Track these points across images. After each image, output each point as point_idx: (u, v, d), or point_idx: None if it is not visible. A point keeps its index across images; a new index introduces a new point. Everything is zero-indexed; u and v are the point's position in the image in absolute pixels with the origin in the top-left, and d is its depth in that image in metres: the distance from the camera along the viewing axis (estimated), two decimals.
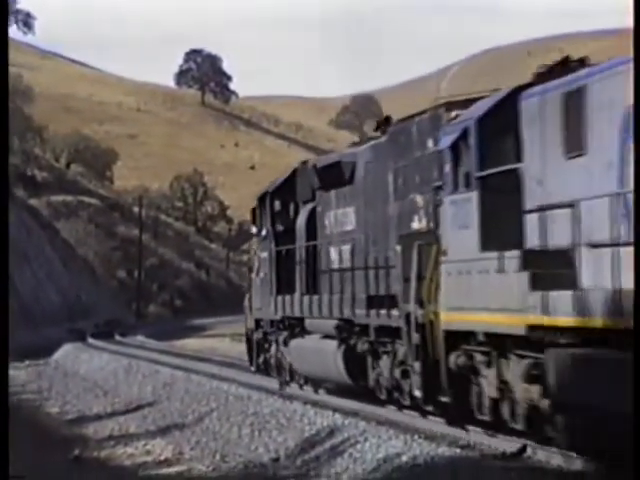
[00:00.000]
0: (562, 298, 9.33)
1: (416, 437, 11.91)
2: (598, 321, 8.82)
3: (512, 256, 10.25)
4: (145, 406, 19.04)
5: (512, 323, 10.22)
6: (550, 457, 10.58)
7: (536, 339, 9.86)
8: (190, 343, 41.90)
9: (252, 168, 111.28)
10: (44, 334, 44.33)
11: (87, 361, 29.79)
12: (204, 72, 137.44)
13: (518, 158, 10.65)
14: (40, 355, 34.08)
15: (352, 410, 14.81)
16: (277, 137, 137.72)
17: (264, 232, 18.78)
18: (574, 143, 9.65)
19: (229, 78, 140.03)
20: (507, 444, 11.30)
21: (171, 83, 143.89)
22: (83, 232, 71.31)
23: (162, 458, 14.03)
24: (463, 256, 11.23)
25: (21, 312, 45.91)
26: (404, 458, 11.02)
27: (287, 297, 17.44)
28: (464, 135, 11.28)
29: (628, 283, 8.56)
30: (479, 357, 11.25)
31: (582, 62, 10.83)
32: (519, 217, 10.39)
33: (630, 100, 8.79)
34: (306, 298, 16.62)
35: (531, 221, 10.20)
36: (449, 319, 11.65)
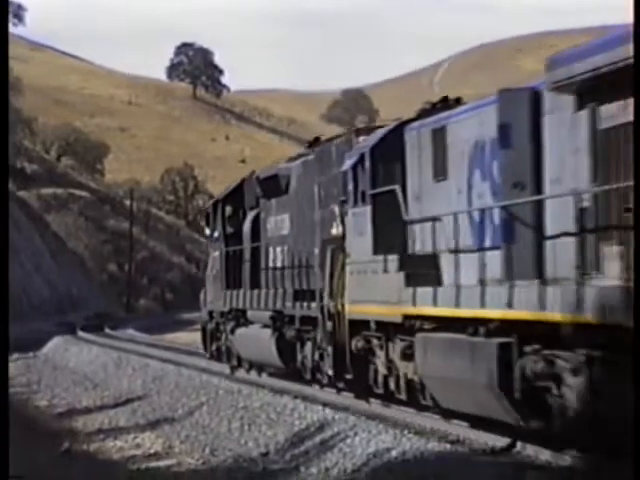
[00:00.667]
0: (425, 293, 12.11)
1: (406, 432, 11.94)
2: (448, 311, 11.54)
3: (393, 259, 12.99)
4: (135, 399, 19.03)
5: (392, 313, 12.91)
6: (539, 452, 10.61)
7: (409, 325, 12.55)
8: (180, 337, 41.87)
9: (243, 162, 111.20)
10: (34, 327, 44.23)
11: (77, 354, 29.74)
12: (196, 65, 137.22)
13: (403, 179, 13.27)
14: (29, 348, 33.99)
15: (342, 405, 14.83)
16: (268, 131, 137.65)
17: (216, 234, 21.42)
18: (439, 170, 12.42)
19: (221, 72, 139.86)
20: (496, 439, 11.34)
21: (163, 76, 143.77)
22: (73, 225, 71.15)
23: (152, 451, 14.03)
24: (361, 258, 13.96)
25: (10, 305, 45.79)
26: (394, 453, 11.04)
27: (234, 291, 20.08)
28: (361, 159, 13.90)
29: (468, 281, 11.33)
30: (374, 341, 13.91)
31: (458, 101, 13.33)
32: (403, 227, 13.11)
33: (477, 137, 11.61)
34: (249, 292, 19.24)
35: (410, 231, 13.12)
36: (351, 310, 14.40)
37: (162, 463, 13.22)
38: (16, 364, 30.16)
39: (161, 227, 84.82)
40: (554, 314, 9.47)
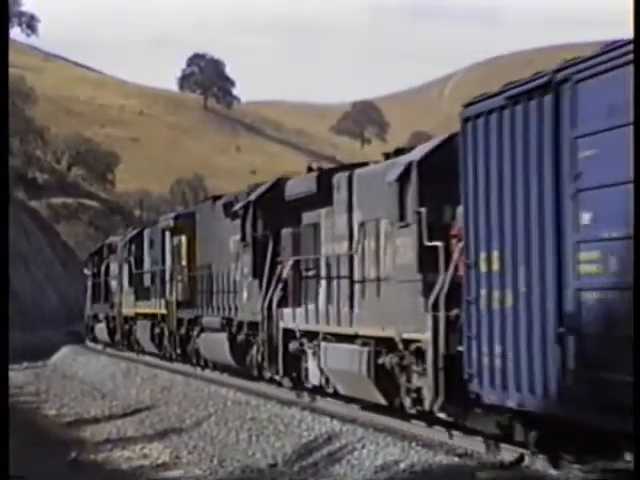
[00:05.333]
0: (142, 304, 28.90)
1: (414, 444, 11.90)
2: (144, 310, 28.63)
3: (131, 288, 30.30)
4: (143, 410, 19.04)
5: (132, 312, 30.18)
6: (548, 467, 10.55)
7: (137, 317, 29.64)
8: None
9: (253, 173, 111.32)
10: (43, 336, 44.27)
11: (85, 364, 29.78)
12: (207, 77, 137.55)
13: (142, 253, 29.31)
14: (38, 357, 34.03)
15: (350, 417, 14.80)
16: (278, 142, 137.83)
17: (89, 272, 38.56)
18: (156, 251, 27.56)
19: (232, 83, 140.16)
20: (505, 453, 11.29)
21: (174, 87, 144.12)
22: (83, 235, 71.26)
23: (159, 462, 14.02)
24: (125, 289, 31.17)
25: (19, 314, 45.85)
26: (402, 466, 11.01)
27: (96, 304, 37.12)
28: (127, 242, 30.97)
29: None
30: (133, 325, 30.30)
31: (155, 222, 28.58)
32: (139, 275, 29.54)
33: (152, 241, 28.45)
34: (102, 305, 35.67)
35: (142, 276, 29.28)
36: (124, 312, 31.35)
37: (170, 473, 13.21)
38: (25, 373, 30.20)
39: None
40: (157, 310, 26.62)
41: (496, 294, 10.04)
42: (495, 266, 10.09)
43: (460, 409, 11.52)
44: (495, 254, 10.08)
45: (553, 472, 10.41)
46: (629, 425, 8.21)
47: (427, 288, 11.95)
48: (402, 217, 12.61)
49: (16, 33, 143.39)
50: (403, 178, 12.58)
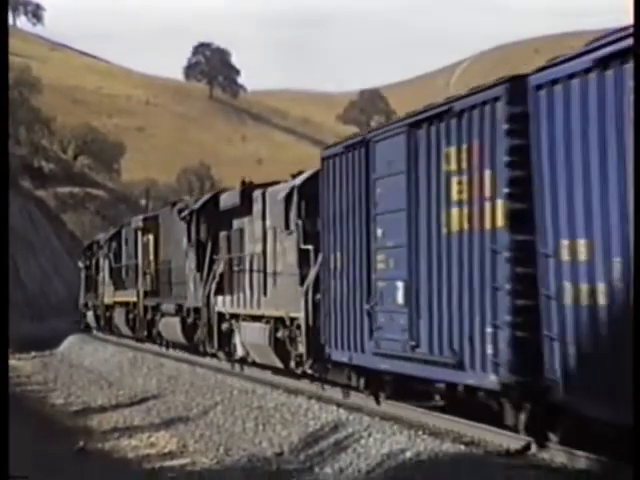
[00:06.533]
0: (119, 293, 32.90)
1: (420, 433, 11.92)
2: (121, 299, 32.85)
3: (111, 280, 34.20)
4: (150, 399, 19.10)
5: (111, 301, 34.21)
6: (554, 455, 10.57)
7: (115, 305, 33.79)
8: None
9: (259, 162, 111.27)
10: (50, 325, 44.39)
11: (92, 353, 29.85)
12: (213, 66, 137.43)
13: (120, 250, 33.37)
14: (46, 346, 34.13)
15: (356, 405, 14.83)
16: (285, 131, 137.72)
17: (82, 265, 42.02)
18: (129, 247, 32.15)
19: (237, 72, 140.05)
20: (511, 441, 11.31)
21: (180, 76, 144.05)
22: (90, 224, 71.33)
23: (166, 451, 14.07)
24: (107, 279, 34.81)
25: (27, 303, 45.97)
26: (408, 454, 11.03)
27: (89, 293, 40.19)
28: (108, 239, 35.54)
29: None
30: (111, 311, 34.44)
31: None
32: (117, 270, 33.46)
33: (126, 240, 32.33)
34: (91, 294, 39.20)
35: (121, 270, 33.28)
36: (105, 301, 35.34)
37: (176, 462, 13.25)
38: (33, 362, 30.29)
39: None
40: (130, 299, 30.69)
41: (338, 283, 14.51)
42: (338, 263, 14.54)
43: (323, 367, 15.58)
44: (338, 255, 14.52)
45: (559, 460, 10.43)
46: (409, 369, 12.42)
47: (303, 279, 16.25)
48: (288, 226, 17.02)
49: (22, 22, 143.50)
50: (288, 197, 16.94)
